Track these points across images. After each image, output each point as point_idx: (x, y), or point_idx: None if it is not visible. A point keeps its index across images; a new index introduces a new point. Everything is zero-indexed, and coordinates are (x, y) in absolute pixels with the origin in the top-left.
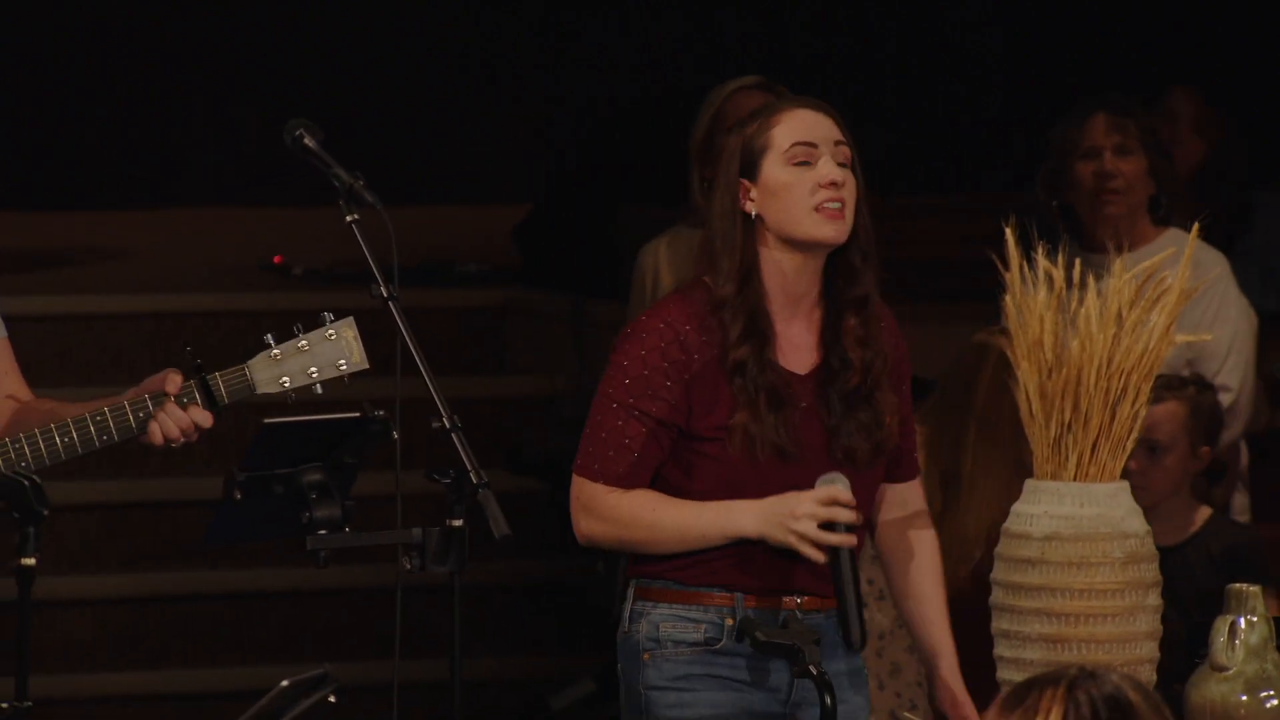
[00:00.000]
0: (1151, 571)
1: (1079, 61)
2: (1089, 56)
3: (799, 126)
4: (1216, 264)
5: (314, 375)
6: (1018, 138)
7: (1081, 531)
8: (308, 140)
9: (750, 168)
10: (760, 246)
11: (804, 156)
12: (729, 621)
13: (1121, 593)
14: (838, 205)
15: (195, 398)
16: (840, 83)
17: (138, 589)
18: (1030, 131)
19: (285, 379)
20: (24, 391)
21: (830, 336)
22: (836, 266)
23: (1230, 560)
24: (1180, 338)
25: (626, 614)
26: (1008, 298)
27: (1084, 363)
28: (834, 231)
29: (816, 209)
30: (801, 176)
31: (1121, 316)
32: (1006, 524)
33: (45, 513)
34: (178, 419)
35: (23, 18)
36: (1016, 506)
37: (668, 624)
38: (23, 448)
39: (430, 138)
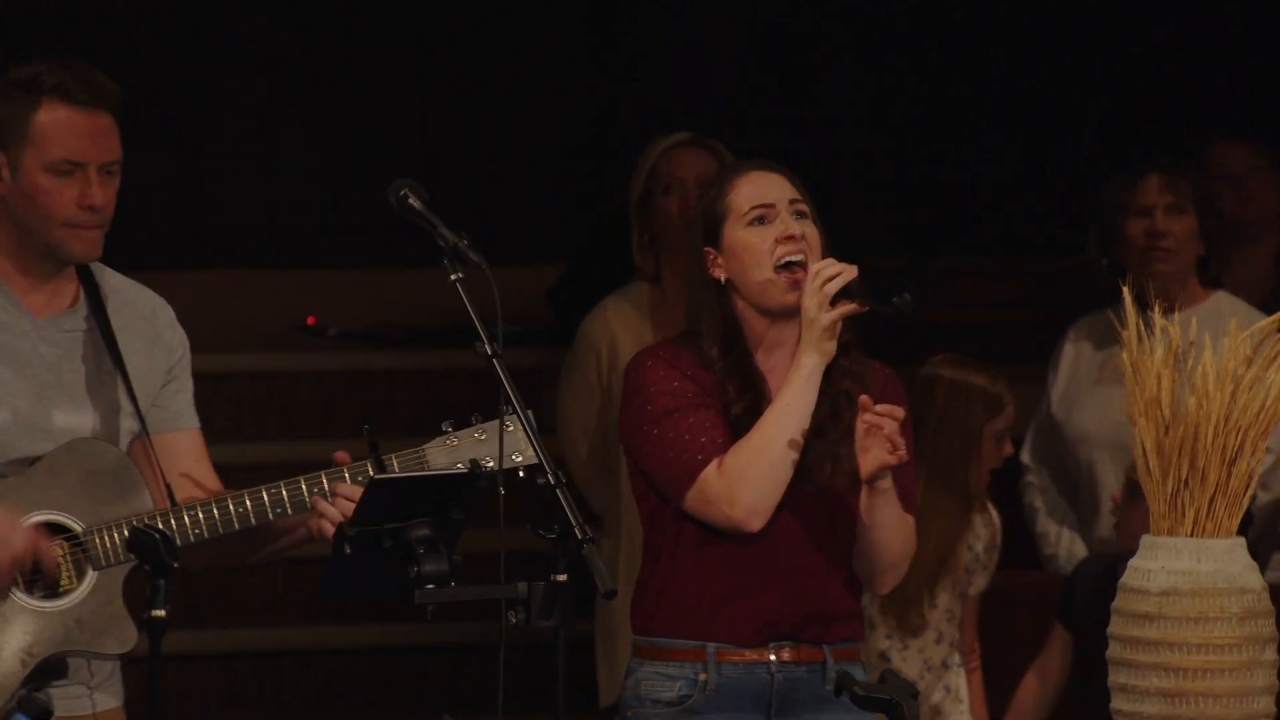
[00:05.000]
0: (1268, 627)
1: (1107, 123)
2: (1118, 117)
3: (754, 190)
4: None
5: (489, 465)
6: (1045, 200)
7: (1199, 586)
8: (412, 200)
9: (712, 235)
10: (737, 309)
11: (762, 215)
12: (702, 677)
13: (1239, 647)
14: (800, 257)
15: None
16: (870, 143)
17: (258, 644)
18: (1056, 194)
19: (460, 466)
20: (214, 482)
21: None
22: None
23: None
24: None
25: (625, 671)
26: (1124, 354)
27: (1201, 420)
28: (796, 298)
29: (778, 268)
30: (762, 234)
31: (1238, 375)
32: (1124, 579)
33: (175, 565)
34: (347, 493)
35: None
36: (1134, 562)
37: (647, 682)
38: (196, 514)
39: (462, 199)
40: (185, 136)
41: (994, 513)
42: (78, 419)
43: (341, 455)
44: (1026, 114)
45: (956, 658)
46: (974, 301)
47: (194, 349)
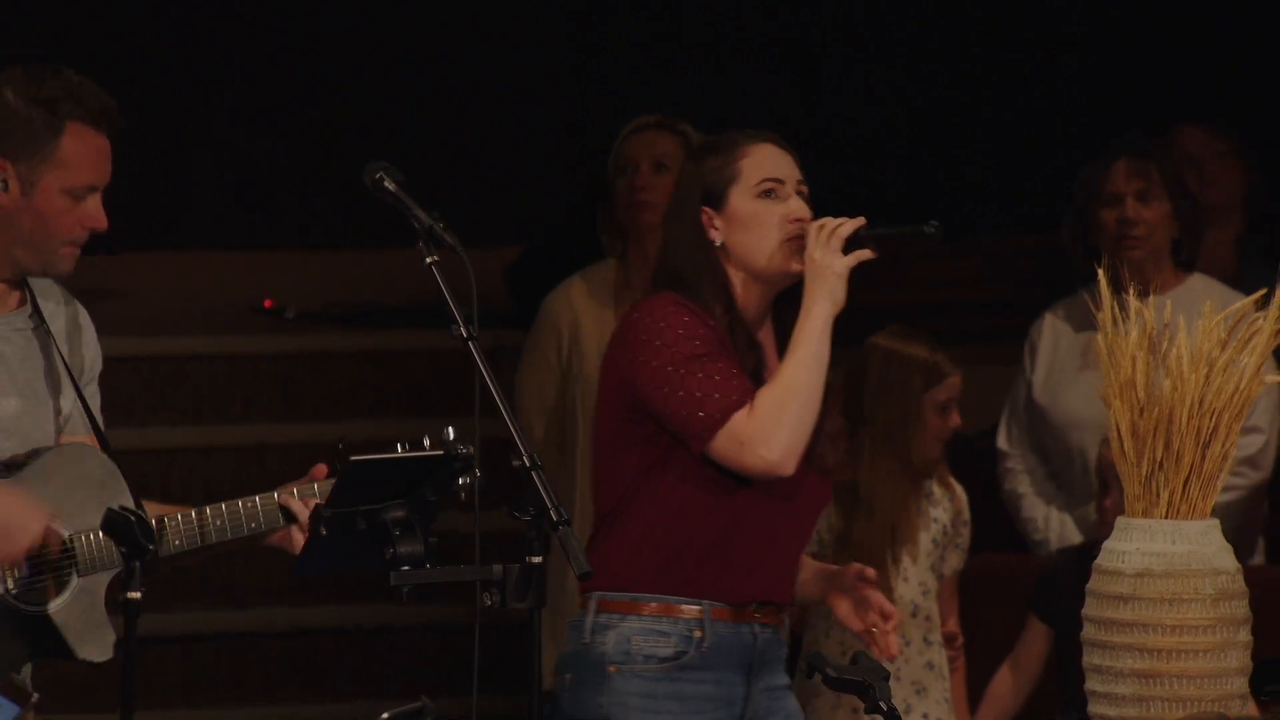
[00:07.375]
0: (1242, 608)
1: (1075, 104)
2: (1087, 99)
3: (766, 162)
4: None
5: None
6: (1011, 180)
7: (1173, 568)
8: (388, 182)
9: (716, 198)
10: (728, 273)
11: (771, 189)
12: (698, 634)
13: (1213, 629)
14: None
15: None
16: (853, 125)
17: (232, 625)
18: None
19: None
20: None
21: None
22: (786, 295)
23: None
24: (1271, 379)
25: (588, 626)
26: (1099, 337)
27: (1175, 403)
28: (799, 267)
29: (787, 241)
30: (771, 209)
31: (1213, 357)
32: (1099, 560)
33: (151, 548)
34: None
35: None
36: (1108, 544)
37: (639, 637)
38: (178, 525)
39: (422, 180)
40: (148, 118)
41: (958, 487)
42: (36, 416)
43: (319, 470)
44: (991, 96)
45: (938, 635)
46: (935, 281)
47: (152, 331)
